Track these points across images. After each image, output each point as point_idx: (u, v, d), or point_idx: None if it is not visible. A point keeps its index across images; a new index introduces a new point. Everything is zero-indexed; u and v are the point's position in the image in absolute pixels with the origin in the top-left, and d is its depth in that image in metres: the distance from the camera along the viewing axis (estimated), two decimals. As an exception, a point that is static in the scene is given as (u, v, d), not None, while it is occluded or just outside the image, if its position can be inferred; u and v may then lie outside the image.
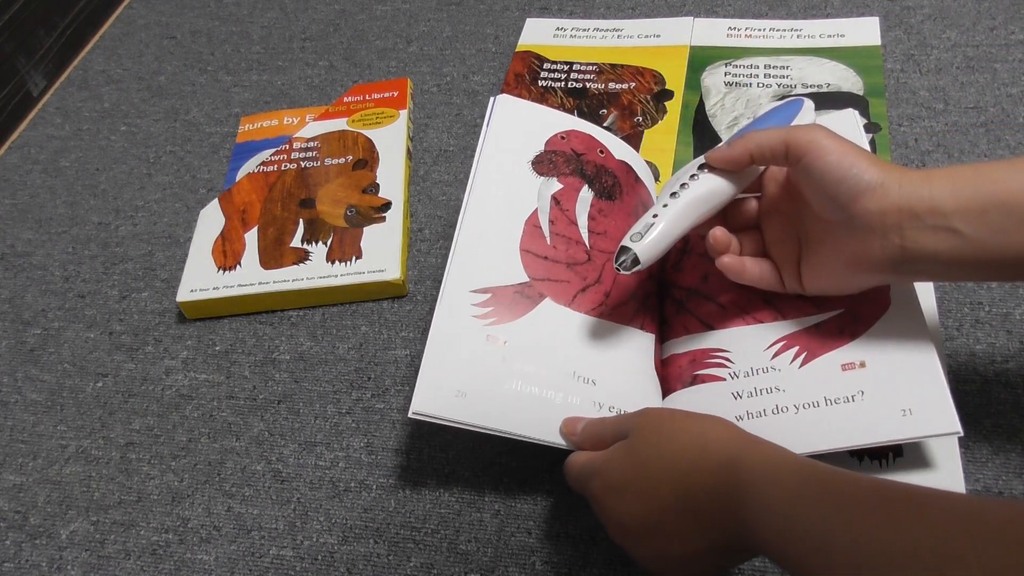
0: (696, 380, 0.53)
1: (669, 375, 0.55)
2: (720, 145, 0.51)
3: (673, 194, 0.50)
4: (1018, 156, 0.44)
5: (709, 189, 0.50)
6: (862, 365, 0.49)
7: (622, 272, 0.49)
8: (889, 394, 0.47)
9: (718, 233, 0.51)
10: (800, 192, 0.49)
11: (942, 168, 0.45)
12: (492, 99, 0.61)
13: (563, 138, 0.61)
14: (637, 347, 0.55)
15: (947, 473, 0.50)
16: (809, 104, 0.55)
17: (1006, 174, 0.42)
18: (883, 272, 0.46)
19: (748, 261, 0.52)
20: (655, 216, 0.50)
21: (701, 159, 0.52)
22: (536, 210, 0.57)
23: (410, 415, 0.49)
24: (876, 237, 0.44)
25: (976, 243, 0.42)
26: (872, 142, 0.69)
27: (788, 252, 0.51)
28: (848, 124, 0.57)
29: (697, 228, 0.52)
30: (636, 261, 0.49)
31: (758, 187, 0.54)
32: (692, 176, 0.51)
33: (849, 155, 0.45)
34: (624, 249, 0.49)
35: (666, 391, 0.54)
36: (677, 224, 0.50)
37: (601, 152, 0.62)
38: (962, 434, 0.45)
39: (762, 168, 0.53)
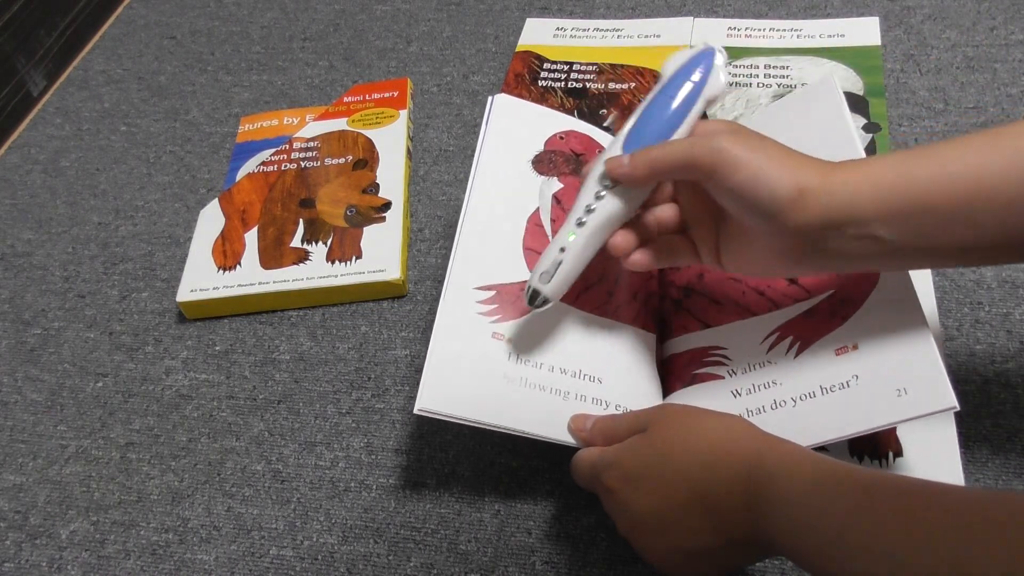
0: (696, 379, 0.53)
1: (669, 375, 0.55)
2: (621, 156, 0.47)
3: (580, 223, 0.48)
4: (939, 143, 0.42)
5: (613, 210, 0.48)
6: (855, 348, 0.48)
7: (535, 310, 0.50)
8: (883, 375, 0.46)
9: (617, 242, 0.49)
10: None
11: (865, 163, 0.43)
12: (490, 99, 0.61)
13: (562, 138, 0.61)
14: (640, 347, 0.55)
15: (947, 473, 0.50)
16: (720, 60, 0.50)
17: (927, 172, 0.40)
18: (805, 267, 0.45)
19: (662, 249, 0.50)
20: (562, 251, 0.48)
21: (602, 167, 0.48)
22: (538, 209, 0.57)
23: (415, 412, 0.49)
24: (798, 243, 0.43)
25: (898, 244, 0.41)
26: (872, 142, 0.69)
27: (706, 230, 0.49)
28: (827, 94, 0.56)
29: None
30: (546, 301, 0.49)
31: None
32: (598, 196, 0.48)
33: (761, 170, 0.42)
34: (534, 291, 0.49)
35: (666, 391, 0.54)
36: (584, 255, 0.49)
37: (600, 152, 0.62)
38: (958, 408, 0.44)
39: None
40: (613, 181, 0.48)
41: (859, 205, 0.41)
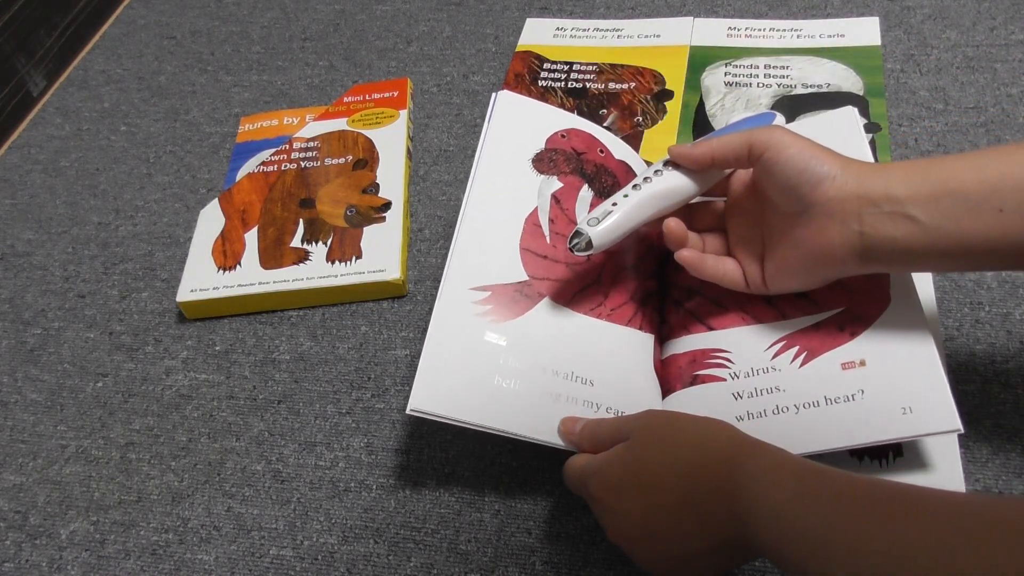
0: (696, 380, 0.53)
1: (669, 375, 0.55)
2: (686, 143, 0.52)
3: (635, 186, 0.52)
4: (973, 151, 0.47)
5: (670, 185, 0.52)
6: (862, 364, 0.49)
7: (575, 254, 0.51)
8: (889, 393, 0.47)
9: (671, 223, 0.52)
10: (763, 189, 0.50)
11: (898, 161, 0.46)
12: (493, 95, 0.61)
13: (564, 136, 0.61)
14: (635, 348, 0.55)
15: (947, 473, 0.50)
16: (780, 119, 0.57)
17: (957, 164, 0.44)
18: (844, 263, 0.47)
19: (710, 258, 0.53)
20: (614, 204, 0.51)
21: (666, 156, 0.53)
22: (536, 208, 0.57)
23: (407, 412, 0.49)
24: (836, 224, 0.46)
25: (931, 229, 0.44)
26: (872, 142, 0.69)
27: (752, 251, 0.52)
28: (847, 121, 0.57)
29: (659, 223, 0.53)
30: (589, 245, 0.50)
31: (724, 190, 0.55)
32: (656, 171, 0.53)
33: (807, 148, 0.47)
34: (578, 232, 0.50)
35: (666, 391, 0.54)
36: (634, 214, 0.51)
37: (601, 152, 0.62)
38: (963, 431, 0.45)
39: (727, 171, 0.54)
40: (675, 165, 0.52)
41: (894, 185, 0.44)
